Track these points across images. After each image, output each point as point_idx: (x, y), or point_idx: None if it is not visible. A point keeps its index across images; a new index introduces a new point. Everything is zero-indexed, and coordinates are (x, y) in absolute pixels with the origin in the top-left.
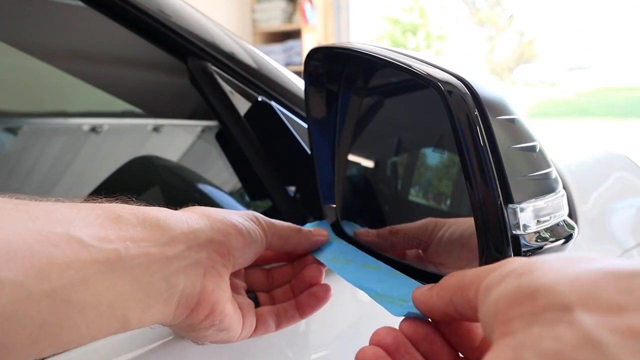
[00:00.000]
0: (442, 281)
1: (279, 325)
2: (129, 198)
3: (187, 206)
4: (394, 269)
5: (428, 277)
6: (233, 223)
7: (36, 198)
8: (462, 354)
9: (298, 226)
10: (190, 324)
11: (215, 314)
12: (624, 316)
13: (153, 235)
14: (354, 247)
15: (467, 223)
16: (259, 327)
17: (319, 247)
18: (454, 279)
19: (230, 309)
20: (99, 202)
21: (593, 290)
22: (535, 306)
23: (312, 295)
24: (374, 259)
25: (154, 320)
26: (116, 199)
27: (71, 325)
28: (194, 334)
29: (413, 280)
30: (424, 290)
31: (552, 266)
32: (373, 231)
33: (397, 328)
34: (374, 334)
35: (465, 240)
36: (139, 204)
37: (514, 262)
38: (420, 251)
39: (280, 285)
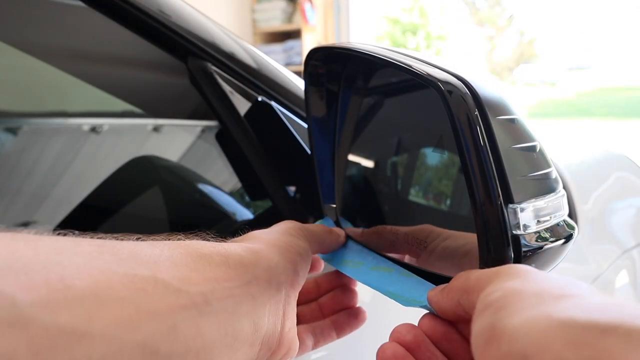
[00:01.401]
0: (451, 282)
1: (316, 344)
2: (207, 234)
3: (239, 233)
4: (404, 270)
5: (431, 277)
6: (295, 248)
7: (118, 237)
8: None
9: (327, 227)
10: None
11: (290, 351)
12: None
13: (237, 275)
14: (361, 247)
15: (462, 239)
16: (299, 348)
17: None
18: (459, 282)
19: (297, 341)
20: (179, 239)
21: (546, 342)
22: (500, 351)
23: (351, 315)
24: (383, 259)
25: None
26: (196, 235)
27: None
28: None
29: (425, 282)
30: (437, 292)
31: (525, 304)
32: (370, 231)
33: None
34: (393, 331)
35: (457, 261)
36: (216, 239)
37: (501, 286)
38: (418, 252)
39: (305, 302)
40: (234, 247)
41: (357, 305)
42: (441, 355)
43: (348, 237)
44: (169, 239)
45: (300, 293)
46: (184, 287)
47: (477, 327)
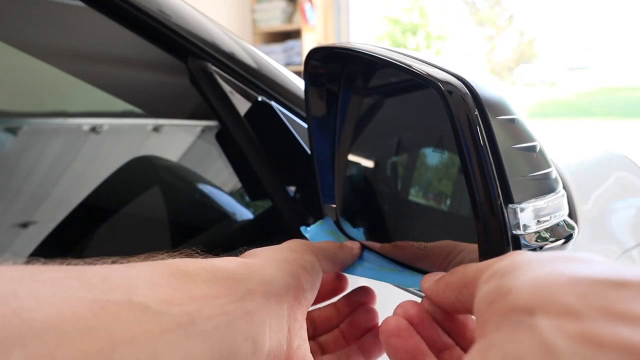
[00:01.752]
0: (447, 277)
1: None
2: (193, 251)
3: (241, 250)
4: (408, 269)
5: None
6: (297, 262)
7: (89, 262)
8: None
9: (338, 242)
10: None
11: None
12: (578, 322)
13: (228, 290)
14: (366, 251)
15: None
16: None
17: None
18: (457, 276)
19: (312, 359)
20: (161, 259)
21: (554, 294)
22: (505, 307)
23: (378, 336)
24: (388, 261)
25: None
26: (180, 253)
27: None
28: None
29: None
30: (432, 284)
31: (532, 266)
32: (390, 245)
33: None
34: (398, 307)
35: None
36: (203, 256)
37: (507, 259)
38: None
39: (326, 332)
40: (224, 261)
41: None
42: (442, 332)
43: (346, 236)
44: (152, 259)
45: (320, 321)
46: (164, 309)
47: (480, 294)
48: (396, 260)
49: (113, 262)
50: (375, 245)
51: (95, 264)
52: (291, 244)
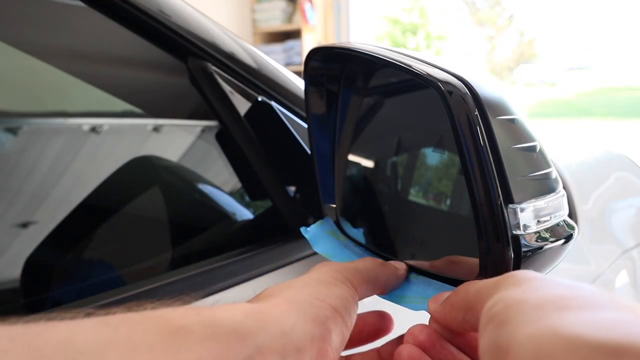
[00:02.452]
0: (452, 297)
1: None
2: (191, 297)
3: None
4: (413, 273)
5: (438, 278)
6: (327, 301)
7: (53, 317)
8: None
9: (379, 259)
10: None
11: None
12: None
13: (230, 350)
14: (366, 252)
15: None
16: None
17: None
18: (460, 297)
19: None
20: (152, 308)
21: None
22: None
23: None
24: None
25: None
26: (175, 300)
27: None
28: None
29: (430, 280)
30: (439, 306)
31: (524, 317)
32: (436, 263)
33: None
34: (407, 333)
35: None
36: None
37: (501, 293)
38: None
39: None
40: (228, 311)
41: None
42: (456, 350)
43: (345, 236)
44: (137, 310)
45: None
46: None
47: (483, 344)
48: (447, 278)
49: (87, 315)
50: (424, 264)
51: (62, 318)
52: (320, 273)
